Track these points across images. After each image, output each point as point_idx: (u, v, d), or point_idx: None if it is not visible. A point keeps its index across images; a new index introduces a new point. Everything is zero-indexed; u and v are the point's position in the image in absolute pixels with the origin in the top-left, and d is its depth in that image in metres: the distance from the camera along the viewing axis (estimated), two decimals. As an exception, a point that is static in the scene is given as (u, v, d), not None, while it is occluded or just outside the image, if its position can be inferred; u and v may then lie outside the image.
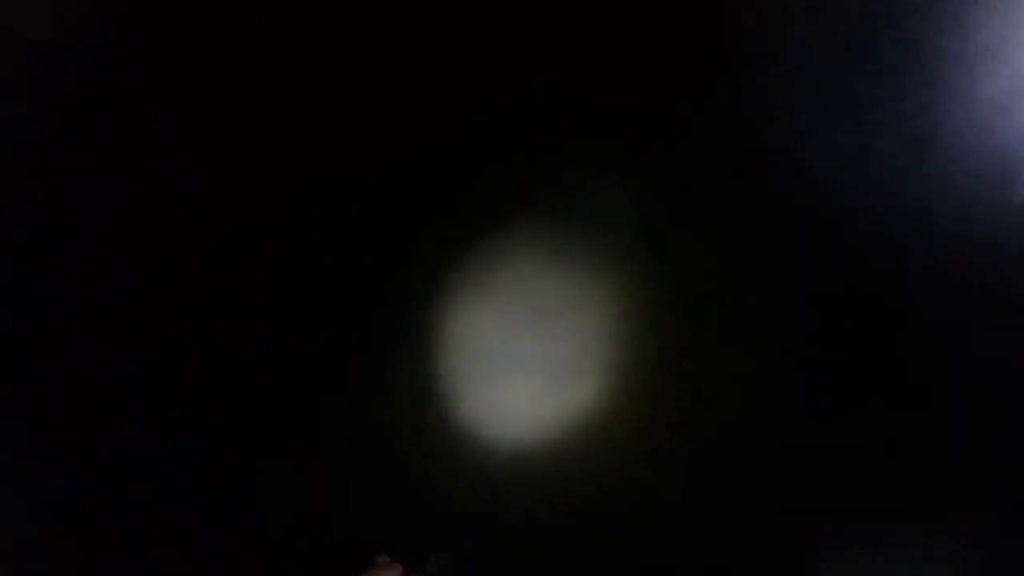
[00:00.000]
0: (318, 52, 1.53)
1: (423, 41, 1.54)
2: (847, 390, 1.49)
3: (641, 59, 1.53)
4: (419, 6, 1.53)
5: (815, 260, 1.52)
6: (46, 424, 1.49)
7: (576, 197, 1.53)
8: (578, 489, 1.47)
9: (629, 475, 1.49)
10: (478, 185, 1.53)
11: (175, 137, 1.53)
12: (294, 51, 1.53)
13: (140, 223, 1.52)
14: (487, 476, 1.46)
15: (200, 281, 1.50)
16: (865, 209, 1.52)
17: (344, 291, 1.51)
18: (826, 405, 1.49)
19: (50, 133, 1.53)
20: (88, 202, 1.52)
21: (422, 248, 1.53)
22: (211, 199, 1.53)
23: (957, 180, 1.49)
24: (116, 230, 1.52)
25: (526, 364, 1.51)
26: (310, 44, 1.53)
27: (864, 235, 1.51)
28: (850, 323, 1.50)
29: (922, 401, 1.48)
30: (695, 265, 1.54)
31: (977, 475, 1.44)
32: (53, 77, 1.52)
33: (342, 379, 1.49)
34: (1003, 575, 1.42)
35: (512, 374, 1.51)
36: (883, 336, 1.50)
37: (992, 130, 1.49)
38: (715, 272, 1.53)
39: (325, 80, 1.54)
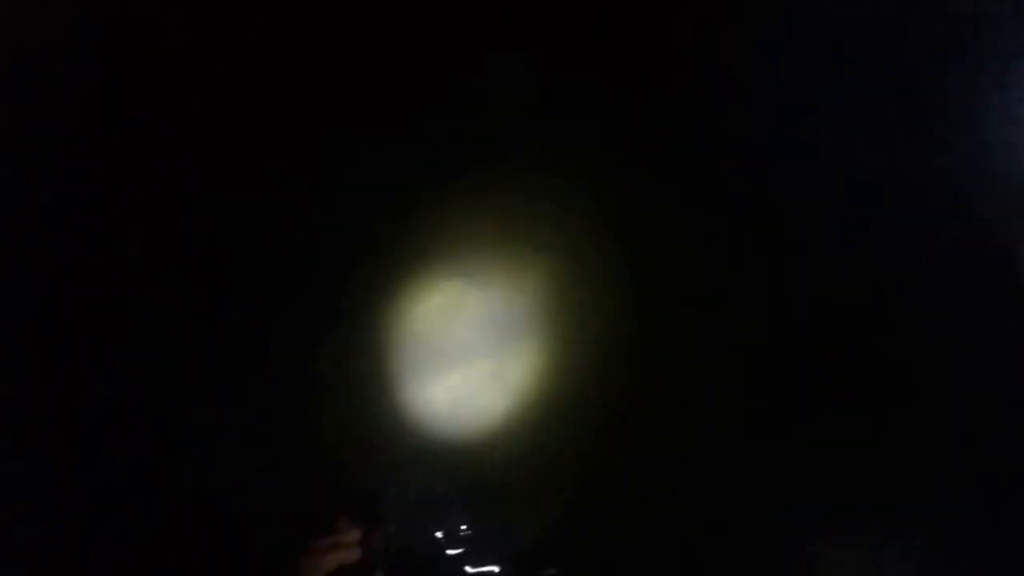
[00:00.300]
0: (279, 35, 1.52)
1: (394, 26, 1.53)
2: (819, 392, 1.49)
3: (626, 49, 1.53)
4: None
5: (794, 265, 1.52)
6: (9, 401, 1.47)
7: (541, 183, 1.52)
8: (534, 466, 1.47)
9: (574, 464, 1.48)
10: (427, 170, 1.53)
11: (137, 132, 1.52)
12: (249, 38, 1.52)
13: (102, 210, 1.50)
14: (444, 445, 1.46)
15: (160, 266, 1.49)
16: (849, 210, 1.53)
17: (307, 275, 1.51)
18: (794, 406, 1.49)
19: (29, 130, 1.51)
20: (49, 194, 1.51)
21: (372, 232, 1.52)
22: (174, 187, 1.51)
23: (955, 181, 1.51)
24: (70, 215, 1.51)
25: (477, 350, 1.51)
26: (271, 28, 1.52)
27: (849, 236, 1.52)
28: (834, 325, 1.50)
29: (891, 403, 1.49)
30: (669, 255, 1.54)
31: (965, 476, 1.45)
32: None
33: (300, 351, 1.48)
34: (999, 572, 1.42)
35: (463, 360, 1.51)
36: (859, 338, 1.50)
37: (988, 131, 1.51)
38: (695, 267, 1.53)
39: (288, 67, 1.52)
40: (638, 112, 1.55)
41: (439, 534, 1.19)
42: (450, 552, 1.19)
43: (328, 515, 1.21)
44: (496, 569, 1.18)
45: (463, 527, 1.20)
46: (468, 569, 1.18)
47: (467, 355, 1.51)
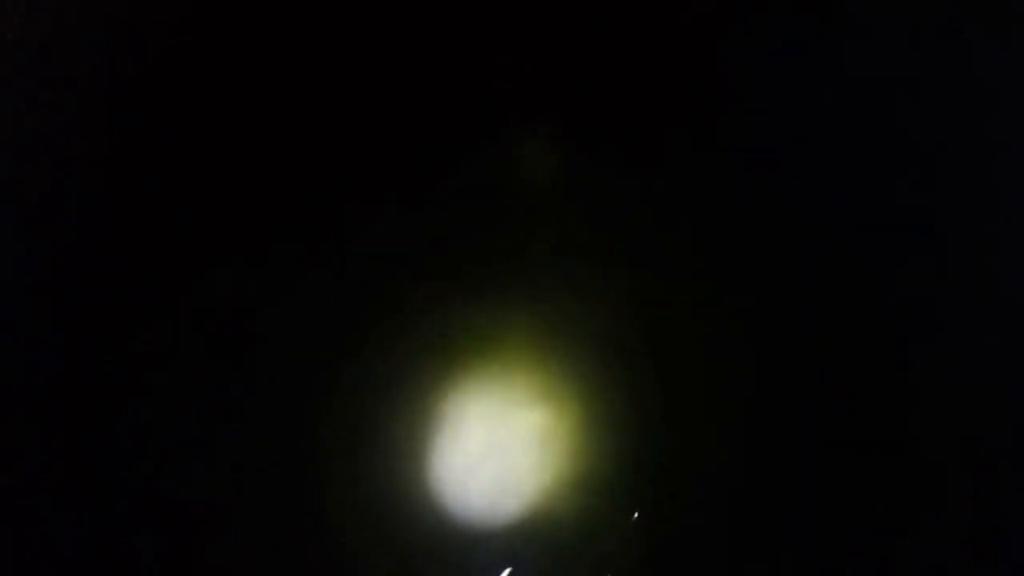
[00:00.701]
0: (303, 100, 1.51)
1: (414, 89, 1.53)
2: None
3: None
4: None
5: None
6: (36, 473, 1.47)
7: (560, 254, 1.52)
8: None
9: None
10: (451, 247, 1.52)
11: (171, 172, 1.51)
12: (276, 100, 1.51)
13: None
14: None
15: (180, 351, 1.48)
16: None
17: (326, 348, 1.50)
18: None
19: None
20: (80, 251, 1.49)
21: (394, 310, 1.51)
22: (198, 254, 1.50)
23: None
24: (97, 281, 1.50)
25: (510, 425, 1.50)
26: (296, 91, 1.51)
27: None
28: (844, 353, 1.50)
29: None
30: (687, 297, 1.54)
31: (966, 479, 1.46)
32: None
33: (320, 429, 1.47)
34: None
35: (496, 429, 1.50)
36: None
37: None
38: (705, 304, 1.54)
39: (309, 131, 1.52)
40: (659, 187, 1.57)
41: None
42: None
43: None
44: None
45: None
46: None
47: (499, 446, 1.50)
